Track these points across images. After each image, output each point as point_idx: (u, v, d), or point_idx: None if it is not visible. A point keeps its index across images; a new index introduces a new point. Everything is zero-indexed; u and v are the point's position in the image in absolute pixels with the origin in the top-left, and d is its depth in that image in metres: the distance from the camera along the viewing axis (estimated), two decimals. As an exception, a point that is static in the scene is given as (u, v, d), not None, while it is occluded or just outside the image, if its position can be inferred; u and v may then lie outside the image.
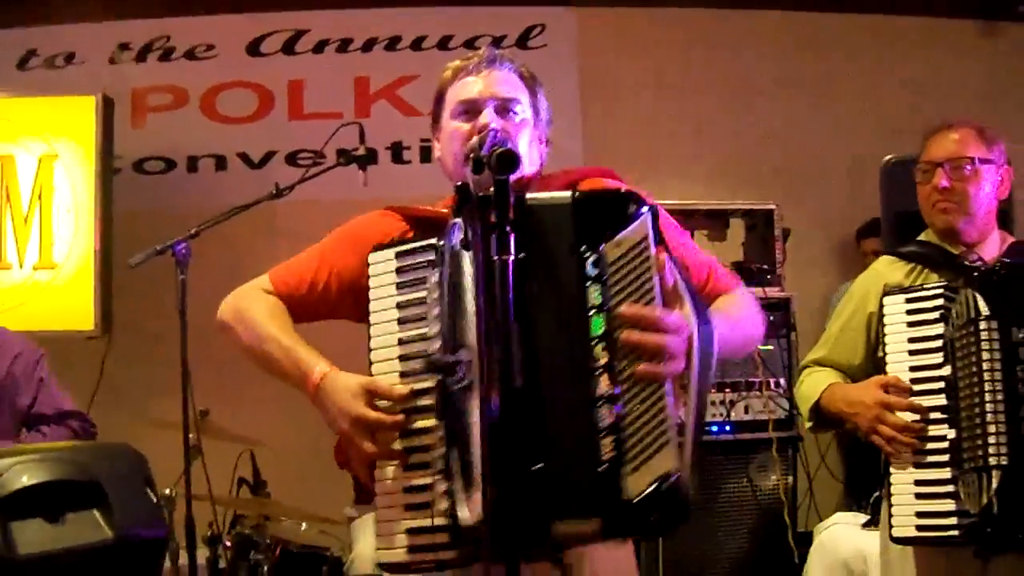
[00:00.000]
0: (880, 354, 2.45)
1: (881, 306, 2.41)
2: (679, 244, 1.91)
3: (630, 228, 1.58)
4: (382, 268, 1.74)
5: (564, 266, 1.56)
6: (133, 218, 4.26)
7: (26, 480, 1.99)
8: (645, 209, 1.60)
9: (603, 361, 1.54)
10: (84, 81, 4.58)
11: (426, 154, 4.62)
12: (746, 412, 3.69)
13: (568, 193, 1.65)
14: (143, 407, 3.99)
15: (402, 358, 1.67)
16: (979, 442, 2.16)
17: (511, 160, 1.50)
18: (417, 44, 4.79)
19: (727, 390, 3.73)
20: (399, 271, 1.71)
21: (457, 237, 1.63)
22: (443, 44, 4.78)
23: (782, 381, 3.74)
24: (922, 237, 2.68)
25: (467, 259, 1.61)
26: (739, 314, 1.91)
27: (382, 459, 1.66)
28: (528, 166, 1.90)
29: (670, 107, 4.90)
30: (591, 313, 1.56)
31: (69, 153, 4.19)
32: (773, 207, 4.03)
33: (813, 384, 2.60)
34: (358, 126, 3.75)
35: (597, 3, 4.90)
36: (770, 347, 3.75)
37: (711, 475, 3.70)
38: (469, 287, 1.60)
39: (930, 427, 2.24)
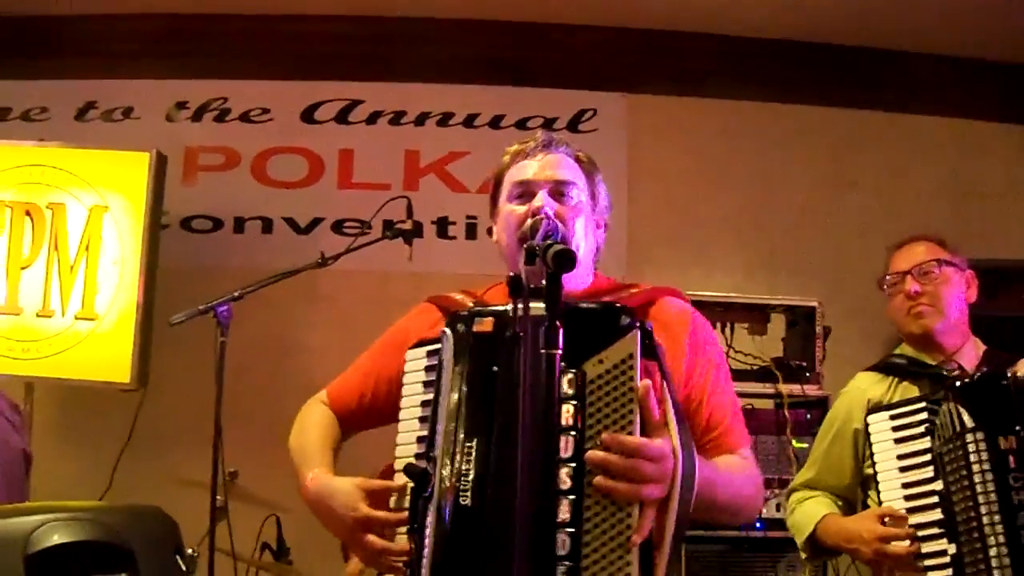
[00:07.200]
0: (868, 471, 2.46)
1: (866, 424, 2.42)
2: (702, 375, 1.84)
3: (614, 345, 1.51)
4: (413, 366, 1.75)
5: (538, 382, 1.46)
6: (177, 274, 4.28)
7: (57, 539, 1.96)
8: (634, 325, 1.53)
9: (567, 485, 1.46)
10: (139, 136, 4.64)
11: (471, 230, 4.57)
12: (777, 510, 3.59)
13: None
14: (172, 464, 3.98)
15: (417, 456, 1.65)
16: (980, 556, 2.14)
17: (568, 260, 1.46)
18: (469, 121, 4.82)
19: (759, 487, 3.65)
20: (427, 370, 1.71)
21: (449, 346, 1.64)
22: (495, 123, 4.80)
23: (816, 480, 3.65)
24: (898, 351, 2.72)
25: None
26: (735, 472, 1.79)
27: (391, 555, 1.65)
28: (584, 252, 1.89)
29: (713, 196, 4.90)
30: (561, 434, 1.48)
31: (119, 206, 4.22)
32: (815, 304, 3.96)
33: (806, 514, 2.60)
34: (406, 200, 3.76)
35: (646, 91, 4.93)
36: (805, 445, 3.69)
37: (740, 573, 3.62)
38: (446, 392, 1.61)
39: (931, 543, 2.22)
